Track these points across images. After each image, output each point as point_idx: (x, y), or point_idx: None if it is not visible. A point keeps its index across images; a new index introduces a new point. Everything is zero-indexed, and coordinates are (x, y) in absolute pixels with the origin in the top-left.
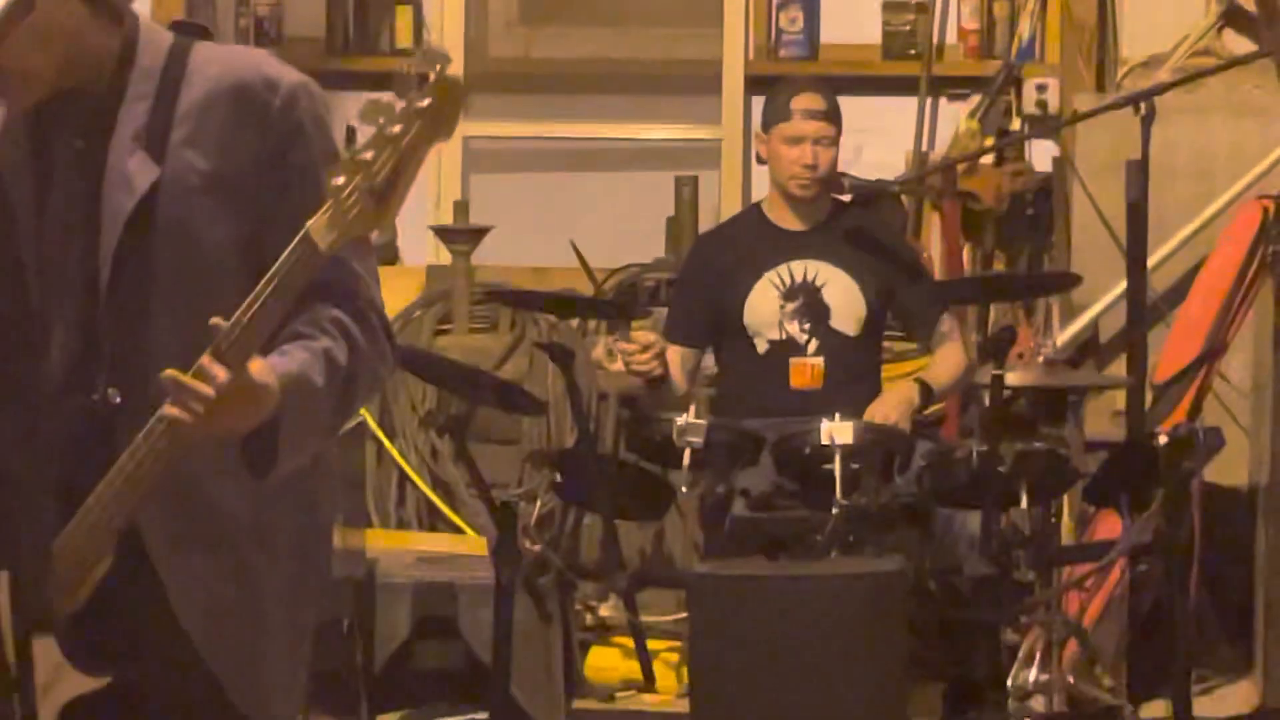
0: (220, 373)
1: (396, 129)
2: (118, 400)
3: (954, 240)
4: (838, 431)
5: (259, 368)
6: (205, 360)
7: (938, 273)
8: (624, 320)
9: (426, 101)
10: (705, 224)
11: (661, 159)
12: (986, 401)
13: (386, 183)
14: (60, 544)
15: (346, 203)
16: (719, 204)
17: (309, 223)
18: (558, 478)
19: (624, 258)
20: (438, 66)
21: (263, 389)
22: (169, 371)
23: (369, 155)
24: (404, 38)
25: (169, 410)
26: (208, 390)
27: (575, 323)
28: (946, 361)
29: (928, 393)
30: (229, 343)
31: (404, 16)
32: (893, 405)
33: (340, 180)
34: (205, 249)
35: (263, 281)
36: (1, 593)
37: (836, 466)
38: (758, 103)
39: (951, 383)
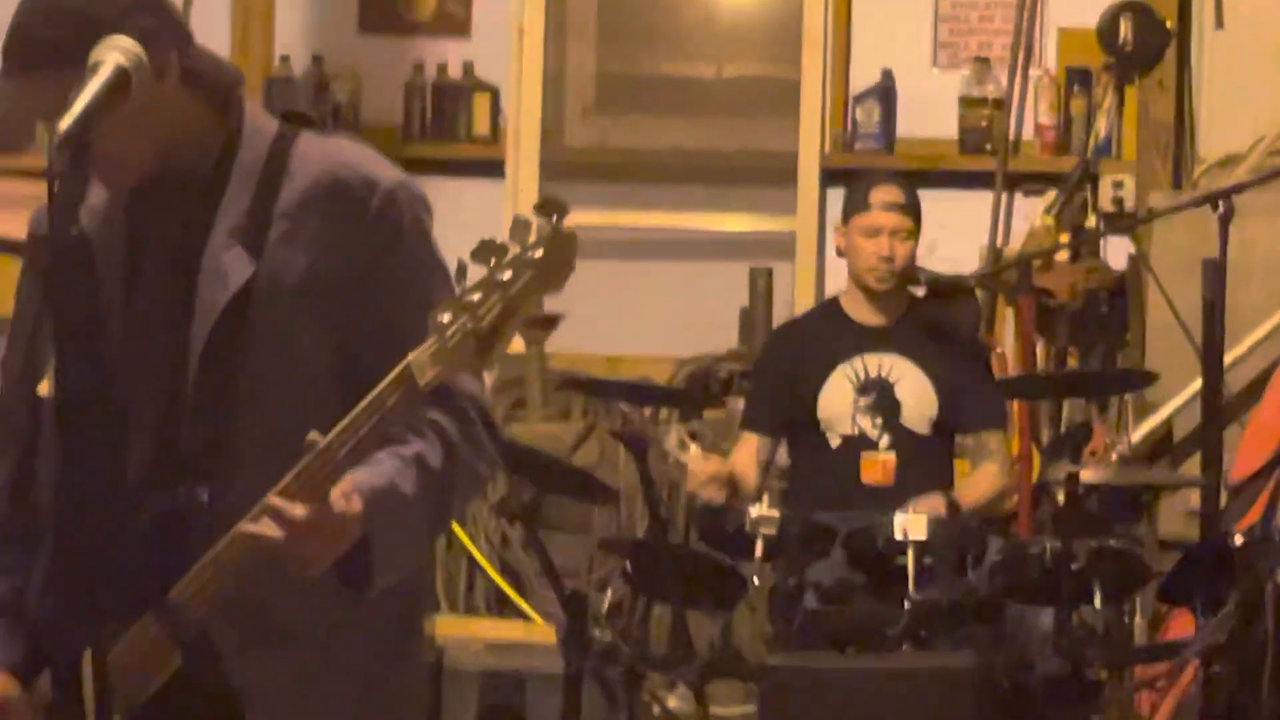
0: (298, 510)
1: (507, 275)
2: (203, 499)
3: (1028, 336)
4: (911, 525)
5: (343, 493)
6: (279, 502)
7: (1011, 369)
8: (697, 411)
9: (540, 252)
10: (779, 316)
11: (736, 250)
12: (1060, 498)
13: (491, 328)
14: (133, 637)
15: (450, 342)
16: (793, 296)
17: (410, 356)
18: (628, 566)
19: (698, 347)
20: (554, 217)
21: (345, 519)
22: (271, 500)
23: (476, 297)
24: (481, 125)
25: (249, 529)
26: (279, 533)
27: (648, 411)
28: (983, 480)
29: (955, 510)
30: (318, 471)
31: (481, 104)
32: (932, 505)
33: (446, 318)
34: (297, 349)
35: (357, 410)
36: (85, 675)
37: (910, 561)
38: (833, 195)
39: (981, 504)
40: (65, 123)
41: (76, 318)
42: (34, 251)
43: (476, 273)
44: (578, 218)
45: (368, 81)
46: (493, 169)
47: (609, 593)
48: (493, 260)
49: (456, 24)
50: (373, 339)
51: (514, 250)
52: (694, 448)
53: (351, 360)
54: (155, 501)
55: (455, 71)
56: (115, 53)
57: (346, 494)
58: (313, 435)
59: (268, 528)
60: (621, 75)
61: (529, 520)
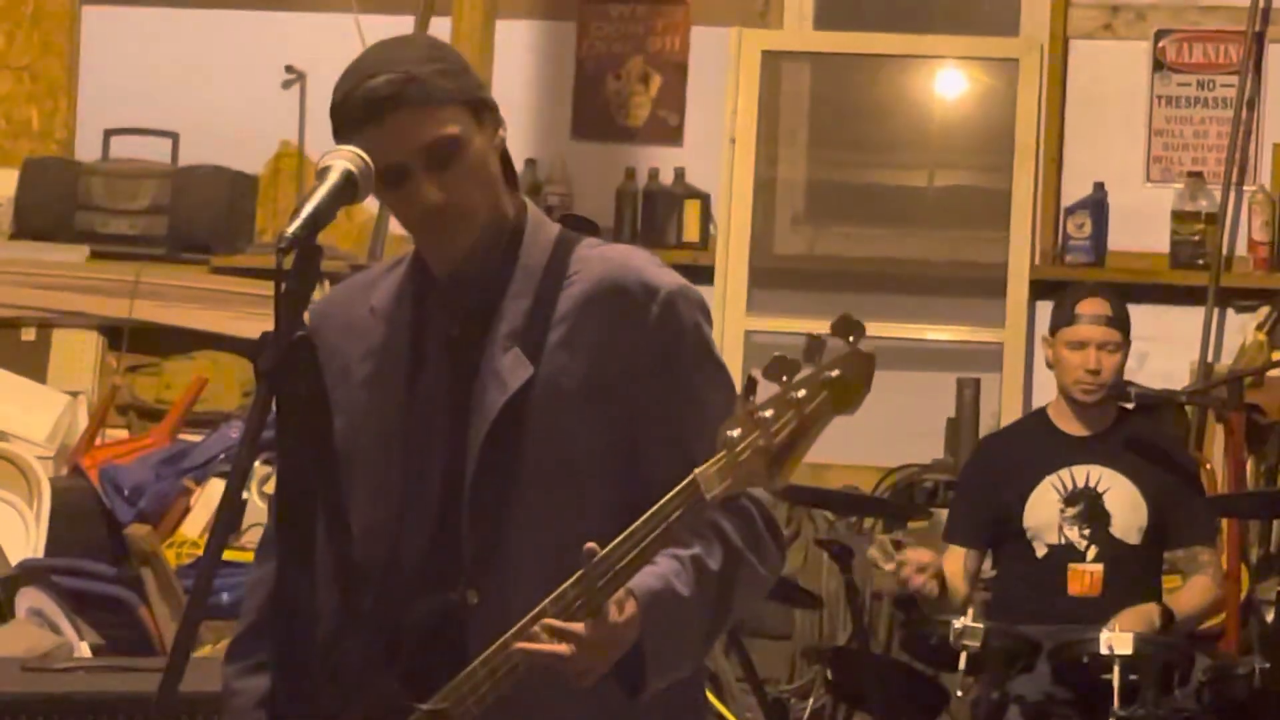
0: (578, 629)
1: (801, 394)
2: (474, 601)
3: (1238, 453)
4: (1117, 641)
5: (617, 600)
6: (558, 623)
7: (1221, 486)
8: (901, 521)
9: (836, 372)
10: (985, 427)
11: (944, 360)
12: (1269, 617)
13: (783, 446)
14: None
15: (739, 457)
16: (1000, 407)
17: (698, 470)
18: (830, 675)
19: (903, 457)
20: (851, 338)
21: (620, 628)
22: (546, 623)
23: (769, 414)
24: (691, 232)
25: (528, 646)
26: (564, 650)
27: (853, 520)
28: (1196, 592)
29: (1169, 619)
30: (595, 581)
31: (692, 210)
32: (1132, 622)
33: (736, 433)
34: (574, 453)
35: (640, 521)
36: None
37: (1115, 677)
38: (1041, 307)
39: (1195, 615)
40: (292, 226)
41: (310, 429)
42: (261, 358)
43: (767, 389)
44: (784, 324)
45: (580, 186)
46: (703, 275)
47: (810, 701)
48: (784, 377)
49: (669, 131)
50: (653, 444)
51: (808, 369)
52: (899, 561)
53: (630, 466)
54: (428, 601)
55: (667, 178)
56: (343, 160)
57: (620, 601)
58: (590, 546)
59: (547, 644)
60: (831, 183)
61: (732, 627)
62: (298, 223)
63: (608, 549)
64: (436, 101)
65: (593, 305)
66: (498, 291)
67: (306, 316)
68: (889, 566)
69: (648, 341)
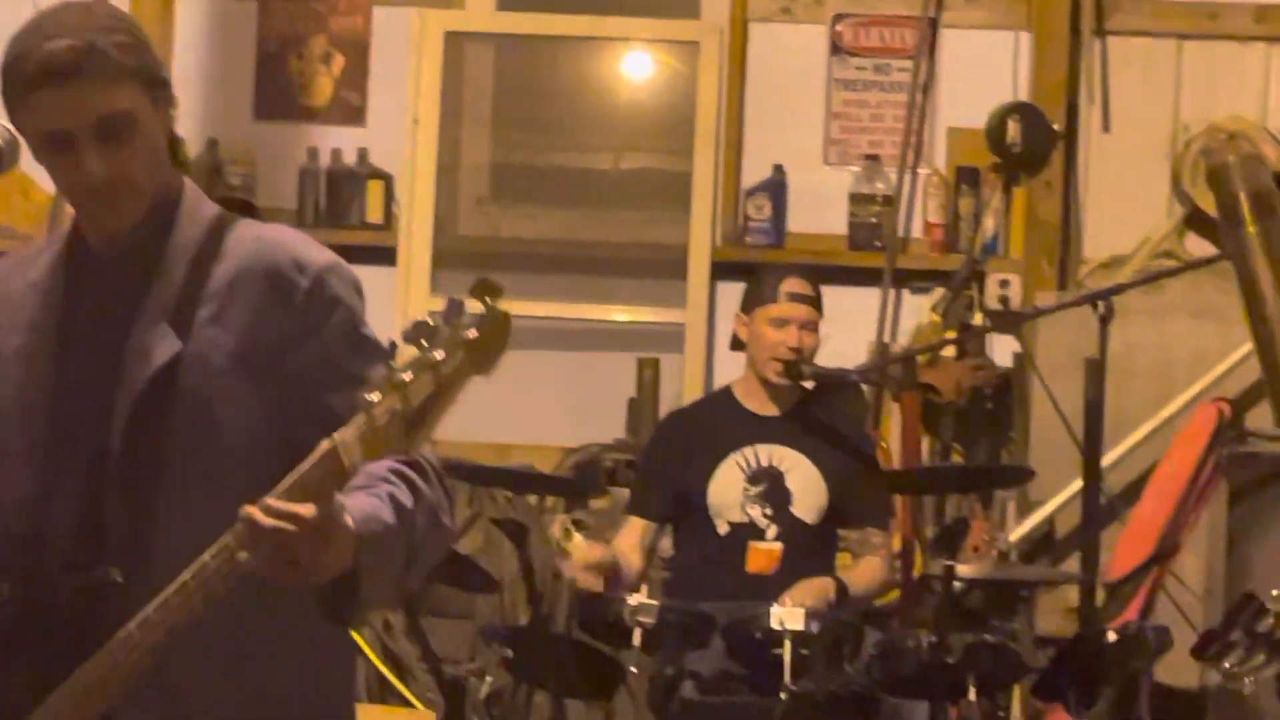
0: (305, 509)
1: (438, 356)
2: (118, 580)
3: (913, 431)
4: (788, 617)
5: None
6: (282, 504)
7: (896, 463)
8: (581, 499)
9: (473, 334)
10: (666, 407)
11: (625, 341)
12: (938, 592)
13: (420, 410)
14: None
15: (377, 422)
16: (680, 387)
17: (335, 435)
18: (509, 654)
19: (584, 437)
20: (488, 299)
21: (342, 528)
22: (247, 508)
23: (407, 377)
24: (374, 213)
25: (247, 554)
26: (290, 528)
27: (533, 500)
28: (868, 571)
29: (843, 593)
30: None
31: (375, 191)
32: (808, 594)
33: (375, 397)
34: (224, 430)
35: (280, 488)
36: None
37: (786, 652)
38: (722, 288)
39: (867, 593)
40: None
41: None
42: None
43: (407, 352)
44: (476, 305)
45: (262, 167)
46: (385, 256)
47: (488, 680)
48: (423, 340)
49: (352, 112)
50: (305, 418)
51: (446, 330)
52: (577, 537)
53: (284, 442)
54: (70, 580)
55: (350, 158)
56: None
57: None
58: (246, 508)
59: (272, 520)
60: (515, 165)
61: (411, 607)
62: None
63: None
64: (114, 76)
65: (244, 282)
66: (150, 268)
67: None
68: (568, 547)
69: (298, 316)
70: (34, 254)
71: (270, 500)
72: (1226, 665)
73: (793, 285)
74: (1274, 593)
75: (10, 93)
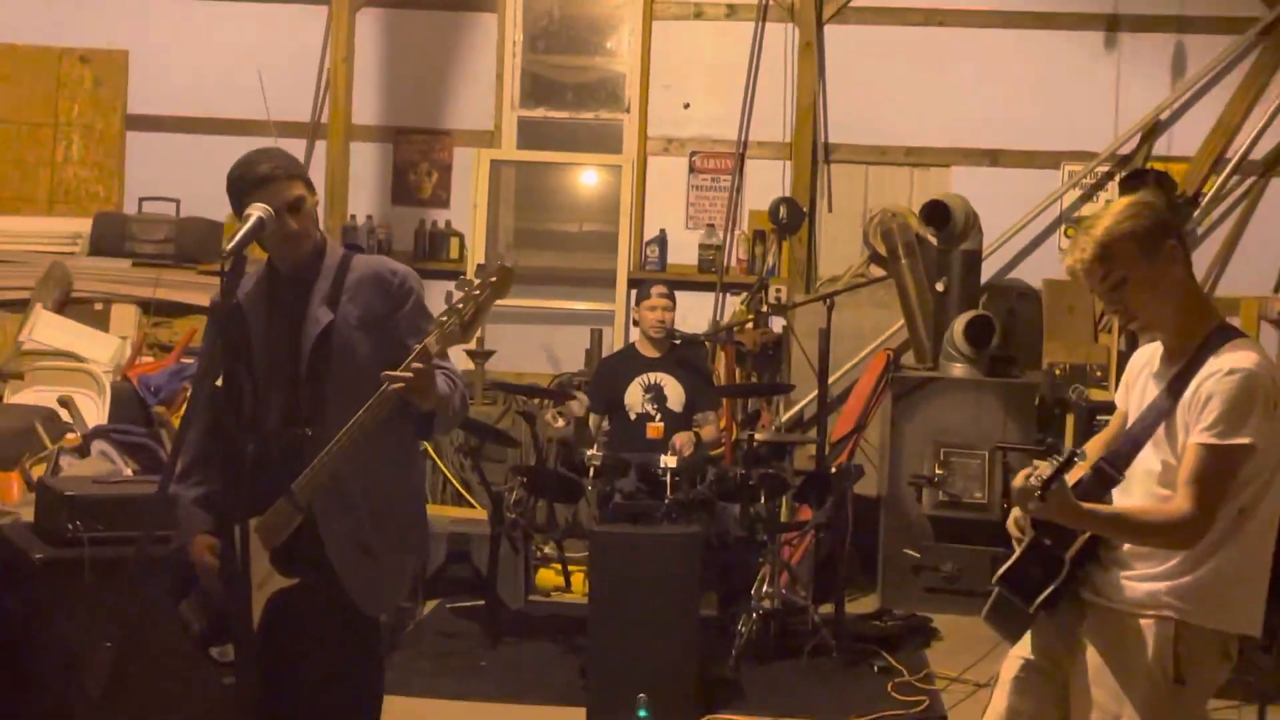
0: (417, 366)
1: (477, 290)
2: (309, 433)
3: (731, 366)
4: (669, 461)
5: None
6: (403, 371)
7: (722, 381)
8: (563, 400)
9: (494, 278)
10: (607, 351)
11: (583, 319)
12: (746, 448)
13: (469, 320)
14: (274, 510)
15: (447, 328)
16: (613, 344)
17: (426, 339)
18: (524, 480)
19: (562, 369)
20: (499, 262)
21: (434, 380)
22: (391, 374)
23: (460, 304)
24: (454, 254)
25: (394, 385)
26: (420, 367)
27: (536, 401)
28: (710, 434)
29: (698, 440)
30: (422, 352)
31: (454, 242)
32: (686, 443)
33: (444, 317)
34: (356, 358)
35: (409, 359)
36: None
37: (668, 479)
38: (632, 293)
39: (711, 443)
40: (229, 247)
41: (234, 347)
42: (213, 312)
43: (457, 295)
44: (505, 301)
45: (396, 230)
46: (457, 276)
47: (514, 493)
48: (466, 287)
49: (441, 201)
50: (398, 352)
51: (479, 278)
52: (560, 420)
53: (388, 364)
54: (283, 436)
55: (441, 225)
56: (258, 210)
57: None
58: (385, 373)
59: (405, 378)
60: (526, 229)
61: (475, 455)
62: (232, 245)
63: (405, 363)
64: (298, 177)
65: (364, 281)
66: (313, 278)
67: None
68: (556, 425)
69: (393, 298)
70: (255, 272)
71: (412, 362)
72: (1043, 494)
73: (658, 289)
74: (1078, 451)
75: (238, 196)
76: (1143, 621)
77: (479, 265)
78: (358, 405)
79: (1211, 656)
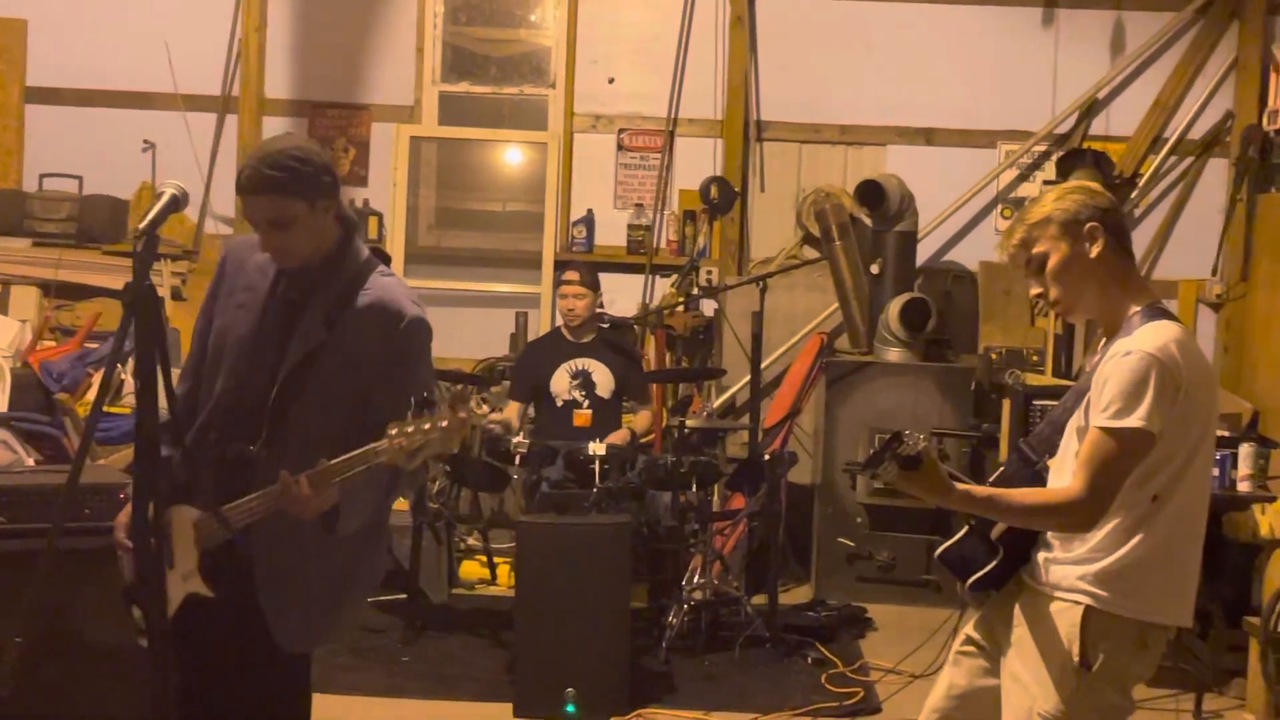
0: (307, 491)
1: (426, 426)
2: (264, 455)
3: (661, 350)
4: (597, 449)
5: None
6: (300, 479)
7: (652, 366)
8: (487, 386)
9: (445, 422)
10: (532, 335)
11: (509, 302)
12: (677, 434)
13: (414, 451)
14: (205, 519)
15: (365, 454)
16: (539, 328)
17: (377, 445)
18: (447, 468)
19: (487, 353)
20: (461, 413)
21: (328, 496)
22: (284, 474)
23: (410, 430)
24: (373, 232)
25: (282, 488)
26: (302, 494)
27: (461, 386)
28: (642, 423)
29: (633, 435)
30: (325, 475)
31: (372, 222)
32: (618, 438)
33: (394, 432)
34: (335, 389)
35: (352, 454)
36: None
37: (597, 467)
38: (557, 275)
39: (645, 432)
40: (141, 225)
41: (148, 333)
42: (124, 295)
43: (408, 423)
44: (427, 283)
45: None
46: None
47: (437, 482)
48: (416, 420)
49: (359, 178)
50: (381, 395)
51: (436, 419)
52: (484, 407)
53: (365, 403)
54: (233, 446)
55: (359, 203)
56: (170, 187)
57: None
58: (323, 461)
59: (296, 491)
60: (448, 208)
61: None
62: (144, 223)
63: (332, 462)
64: (278, 194)
65: (373, 310)
66: (319, 283)
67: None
68: (479, 412)
69: (392, 343)
70: (258, 243)
71: (289, 476)
72: (874, 474)
73: (568, 276)
74: (907, 431)
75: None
76: (1056, 604)
77: (456, 391)
78: (318, 440)
79: (1124, 644)
